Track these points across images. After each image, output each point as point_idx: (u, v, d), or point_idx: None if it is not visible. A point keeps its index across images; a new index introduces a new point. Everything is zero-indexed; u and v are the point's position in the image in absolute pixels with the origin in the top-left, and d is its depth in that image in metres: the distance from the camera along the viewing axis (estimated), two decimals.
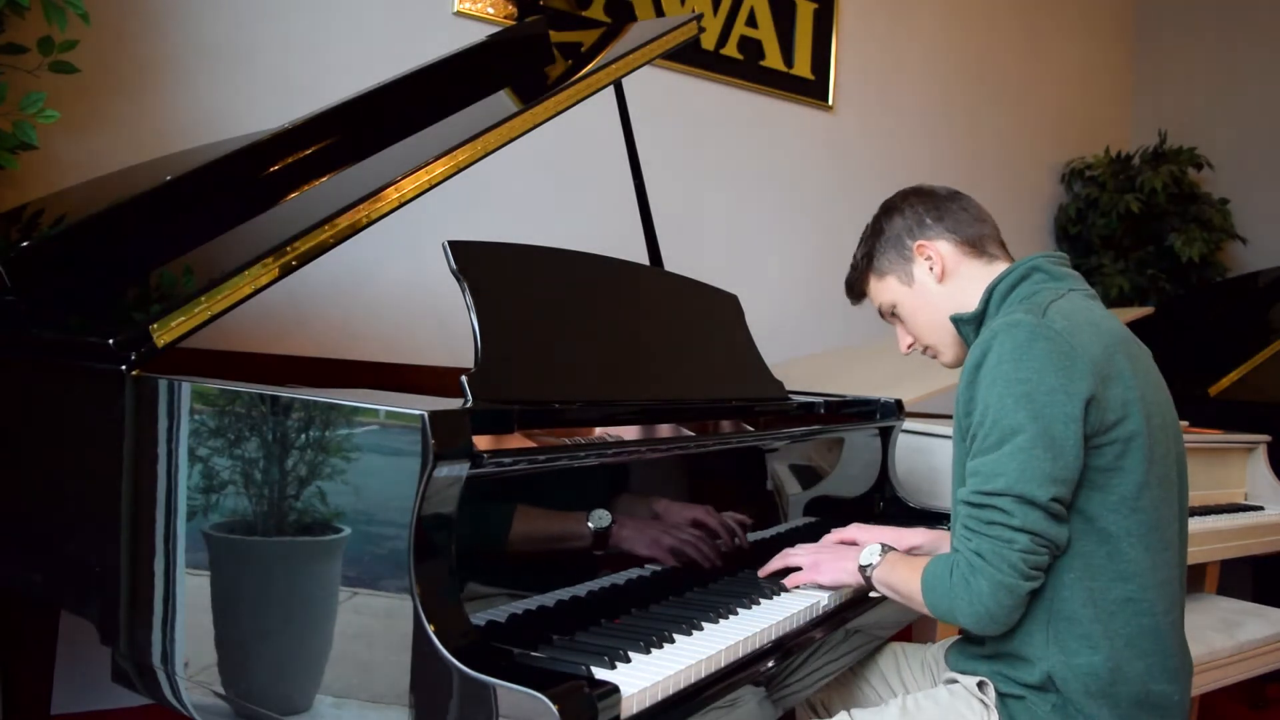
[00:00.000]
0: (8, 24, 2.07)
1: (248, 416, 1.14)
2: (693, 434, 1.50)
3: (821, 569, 1.49)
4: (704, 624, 1.28)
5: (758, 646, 1.27)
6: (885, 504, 2.06)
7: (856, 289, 1.58)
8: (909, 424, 2.23)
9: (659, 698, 1.05)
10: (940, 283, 1.46)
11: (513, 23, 3.01)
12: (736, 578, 1.56)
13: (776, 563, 1.55)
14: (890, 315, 1.55)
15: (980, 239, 1.47)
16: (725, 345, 1.83)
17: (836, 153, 4.00)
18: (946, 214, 1.47)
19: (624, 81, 2.01)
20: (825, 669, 1.43)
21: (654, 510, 1.45)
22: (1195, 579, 2.83)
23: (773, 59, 3.73)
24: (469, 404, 1.12)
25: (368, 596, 1.01)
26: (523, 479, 1.21)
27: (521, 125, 1.62)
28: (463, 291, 1.26)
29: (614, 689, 0.97)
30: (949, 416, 2.69)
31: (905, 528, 1.62)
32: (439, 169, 1.49)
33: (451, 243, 1.28)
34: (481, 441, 1.04)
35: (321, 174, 1.76)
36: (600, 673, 1.03)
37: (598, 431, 1.30)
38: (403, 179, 1.46)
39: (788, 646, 1.32)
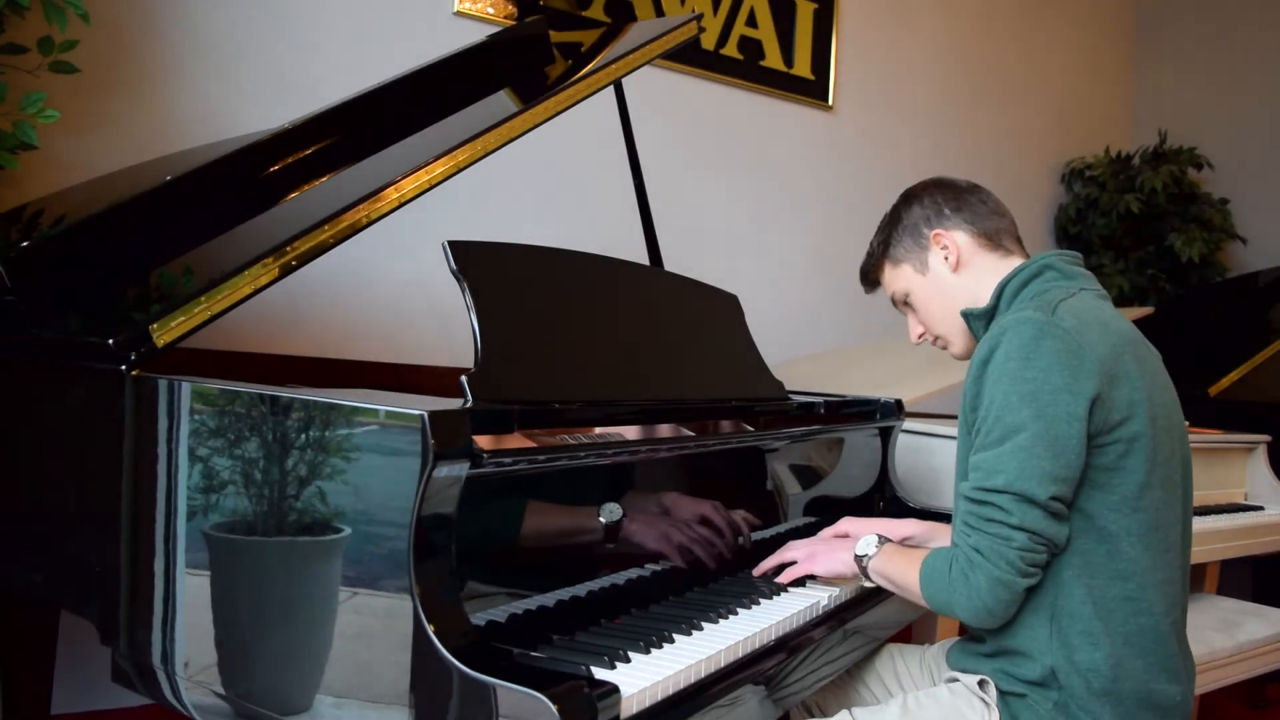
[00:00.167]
0: (8, 24, 2.07)
1: (248, 416, 1.14)
2: (693, 434, 1.50)
3: (817, 560, 1.50)
4: (704, 624, 1.28)
5: (758, 646, 1.27)
6: (885, 504, 2.06)
7: (871, 276, 1.59)
8: (909, 424, 2.23)
9: (659, 698, 1.05)
10: (954, 272, 1.47)
11: (513, 23, 3.01)
12: (736, 578, 1.56)
13: (772, 560, 1.55)
14: (903, 304, 1.56)
15: (997, 232, 1.47)
16: (725, 345, 1.83)
17: (836, 153, 4.00)
18: (965, 205, 1.48)
19: (624, 81, 2.01)
20: (825, 669, 1.43)
21: (657, 507, 1.45)
22: (1195, 579, 2.83)
23: (773, 59, 3.73)
24: (469, 404, 1.12)
25: (368, 596, 1.01)
26: (523, 479, 1.21)
27: (521, 125, 1.62)
28: (463, 291, 1.26)
29: (614, 689, 0.97)
30: (949, 416, 2.69)
31: (897, 518, 1.63)
32: (439, 169, 1.49)
33: (451, 243, 1.28)
34: (481, 441, 1.04)
35: (321, 174, 1.76)
36: (600, 673, 1.03)
37: (598, 431, 1.30)
38: (403, 179, 1.46)
39: (788, 647, 1.31)
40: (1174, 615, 1.31)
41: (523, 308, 1.36)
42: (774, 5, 3.71)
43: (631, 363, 1.54)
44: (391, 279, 2.81)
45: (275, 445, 1.11)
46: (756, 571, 1.56)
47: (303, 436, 1.09)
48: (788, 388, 1.92)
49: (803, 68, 3.83)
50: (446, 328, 2.77)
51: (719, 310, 1.87)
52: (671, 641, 1.19)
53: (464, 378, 1.17)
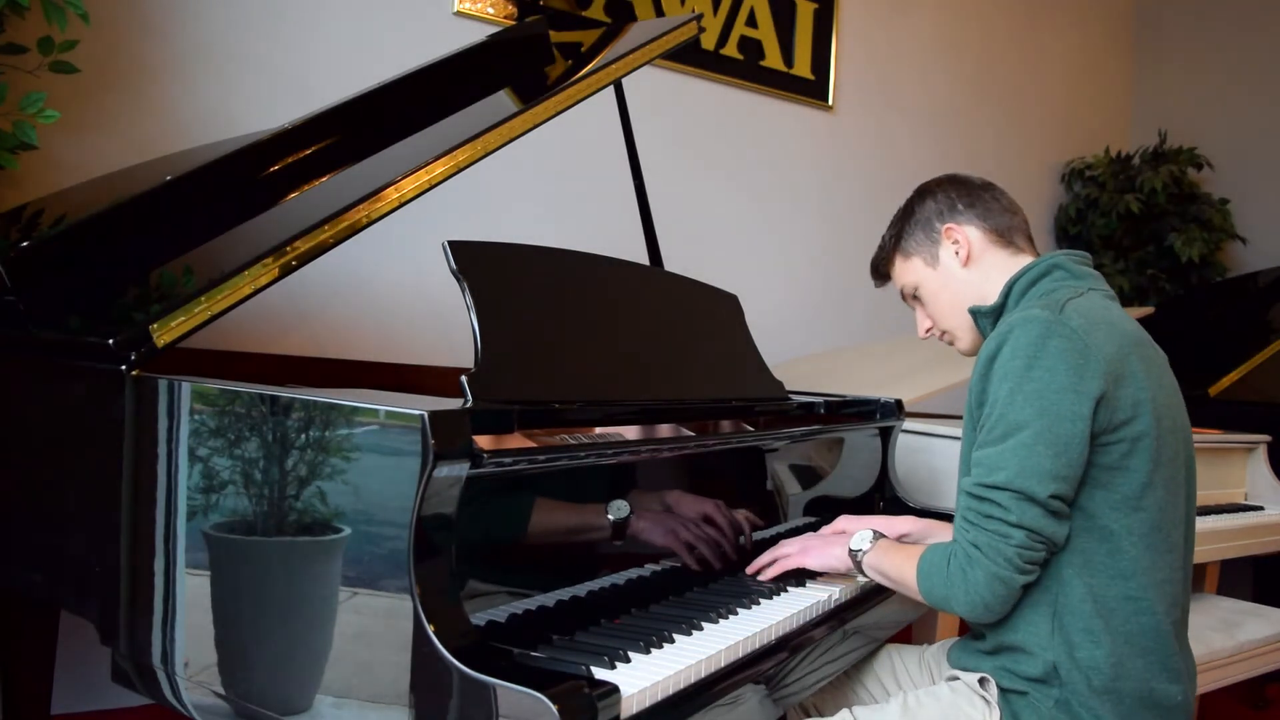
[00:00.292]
0: (8, 24, 2.07)
1: (248, 416, 1.14)
2: (693, 434, 1.50)
3: (810, 553, 1.50)
4: (704, 624, 1.28)
5: (758, 646, 1.27)
6: (885, 504, 2.06)
7: (881, 270, 1.59)
8: (909, 424, 2.23)
9: (659, 697, 1.05)
10: (964, 267, 1.48)
11: (513, 23, 3.01)
12: (737, 577, 1.56)
13: (765, 558, 1.55)
14: (911, 298, 1.57)
15: (1008, 230, 1.48)
16: (725, 345, 1.83)
17: (836, 153, 4.00)
18: (978, 201, 1.49)
19: (624, 81, 2.01)
20: (825, 669, 1.43)
21: (658, 507, 1.45)
22: (1195, 579, 2.83)
23: (773, 59, 3.73)
24: (469, 404, 1.12)
25: (368, 596, 1.01)
26: (524, 479, 1.21)
27: (521, 125, 1.62)
28: (463, 291, 1.26)
29: (614, 689, 0.97)
30: (949, 417, 2.70)
31: (894, 515, 1.63)
32: (439, 169, 1.49)
33: (451, 243, 1.28)
34: (482, 441, 1.04)
35: (321, 174, 1.76)
36: (600, 673, 1.03)
37: (598, 431, 1.30)
38: (402, 179, 1.46)
39: (788, 646, 1.31)
40: (1175, 615, 1.31)
41: (523, 308, 1.36)
42: (774, 5, 3.71)
43: (631, 363, 1.54)
44: (391, 279, 2.81)
45: (275, 445, 1.11)
46: (750, 569, 1.55)
47: (303, 436, 1.09)
48: (788, 388, 1.92)
49: (803, 68, 3.84)
50: (446, 328, 2.77)
51: (719, 310, 1.87)
52: (671, 641, 1.19)
53: (464, 378, 1.17)
